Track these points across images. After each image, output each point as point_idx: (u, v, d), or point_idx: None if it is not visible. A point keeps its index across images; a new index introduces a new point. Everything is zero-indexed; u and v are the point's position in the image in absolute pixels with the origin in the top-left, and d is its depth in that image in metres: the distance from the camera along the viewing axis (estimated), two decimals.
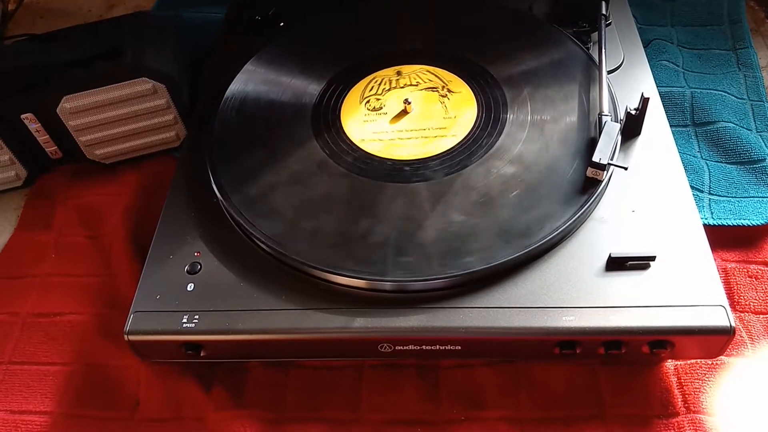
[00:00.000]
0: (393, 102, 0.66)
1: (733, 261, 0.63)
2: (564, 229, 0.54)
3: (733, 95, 0.77)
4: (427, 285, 0.52)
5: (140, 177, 0.74)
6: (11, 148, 0.71)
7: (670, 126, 0.64)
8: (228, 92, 0.68)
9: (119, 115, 0.69)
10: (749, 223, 0.64)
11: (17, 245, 0.70)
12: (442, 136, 0.62)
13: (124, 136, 0.72)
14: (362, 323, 0.51)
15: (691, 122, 0.75)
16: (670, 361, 0.56)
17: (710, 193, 0.68)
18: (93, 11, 1.00)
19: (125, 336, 0.53)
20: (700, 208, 0.66)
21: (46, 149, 0.72)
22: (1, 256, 0.70)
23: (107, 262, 0.67)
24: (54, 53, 0.69)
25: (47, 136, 0.71)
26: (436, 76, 0.68)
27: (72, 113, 0.68)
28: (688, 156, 0.71)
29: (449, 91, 0.66)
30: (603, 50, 0.66)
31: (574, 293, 0.52)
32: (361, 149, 0.62)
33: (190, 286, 0.55)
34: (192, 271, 0.55)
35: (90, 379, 0.59)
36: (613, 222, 0.56)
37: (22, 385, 0.59)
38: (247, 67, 0.71)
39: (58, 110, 0.67)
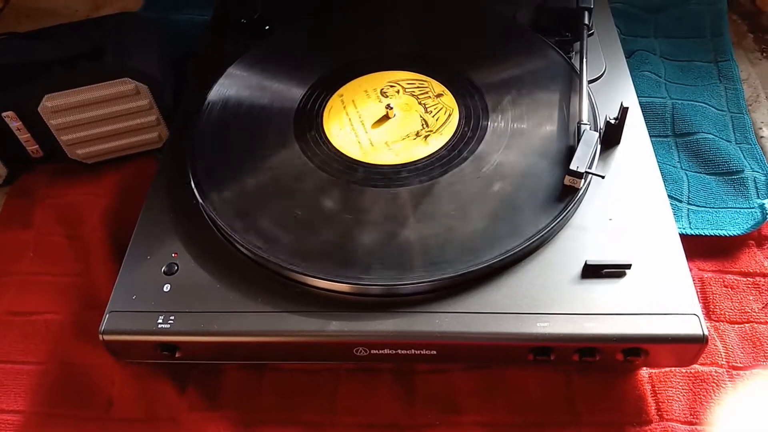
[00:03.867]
0: (375, 107, 0.66)
1: (709, 271, 0.64)
2: (541, 236, 0.54)
3: (713, 107, 0.78)
4: (404, 289, 0.52)
5: (121, 177, 0.73)
6: None
7: (651, 136, 0.64)
8: (210, 95, 0.68)
9: (101, 115, 0.69)
10: (726, 233, 0.65)
11: None
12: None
13: (106, 136, 0.72)
14: (337, 326, 0.51)
15: (671, 133, 0.76)
16: (644, 369, 0.57)
17: (689, 203, 0.68)
18: (80, 11, 1.00)
19: (100, 336, 0.53)
20: (679, 217, 0.67)
21: (27, 148, 0.72)
22: None
23: (86, 262, 0.66)
24: (36, 51, 0.68)
25: (28, 134, 0.70)
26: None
27: (53, 112, 0.68)
28: (668, 166, 0.72)
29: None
30: (584, 60, 0.66)
31: (549, 300, 0.52)
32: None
33: (167, 287, 0.54)
34: (169, 272, 0.55)
35: (64, 378, 0.59)
36: (590, 230, 0.56)
37: None
38: (230, 70, 0.71)
39: (39, 109, 0.67)
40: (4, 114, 0.68)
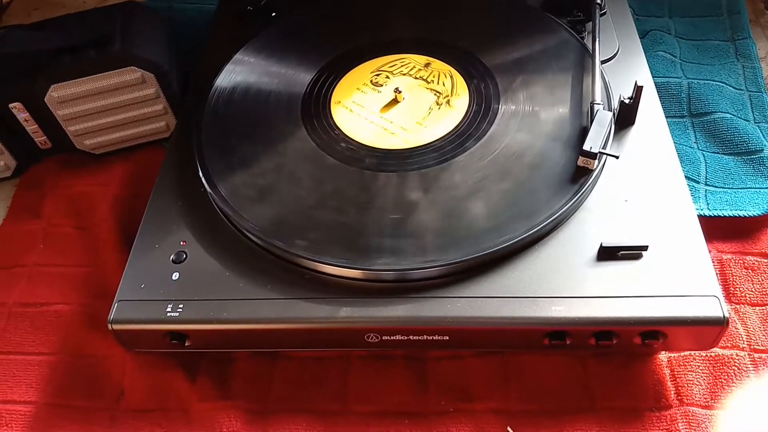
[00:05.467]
0: (384, 91, 0.65)
1: (729, 252, 0.62)
2: (555, 218, 0.53)
3: (730, 86, 0.76)
4: (415, 274, 0.52)
5: (130, 167, 0.73)
6: (0, 138, 0.70)
7: (667, 117, 0.63)
8: (217, 82, 0.68)
9: (108, 104, 0.69)
10: (746, 214, 0.63)
11: (6, 235, 0.70)
12: (433, 125, 0.61)
13: (114, 126, 0.71)
14: (348, 313, 0.51)
15: (687, 113, 0.74)
16: (663, 352, 0.55)
17: (706, 184, 0.67)
18: (87, 3, 0.99)
19: (109, 325, 0.52)
20: (696, 198, 0.65)
21: (36, 139, 0.72)
22: None
23: (95, 252, 0.66)
24: (42, 41, 0.68)
25: (36, 125, 0.70)
26: (428, 64, 0.67)
27: (60, 102, 0.67)
28: (685, 147, 0.70)
29: (441, 79, 0.65)
30: (596, 39, 0.65)
31: (564, 283, 0.51)
32: (350, 138, 0.61)
33: (176, 275, 0.54)
34: (177, 260, 0.55)
35: (75, 369, 0.59)
36: (606, 212, 0.55)
37: (6, 375, 0.59)
38: (237, 57, 0.70)
39: (46, 99, 0.66)
40: (11, 105, 0.68)
